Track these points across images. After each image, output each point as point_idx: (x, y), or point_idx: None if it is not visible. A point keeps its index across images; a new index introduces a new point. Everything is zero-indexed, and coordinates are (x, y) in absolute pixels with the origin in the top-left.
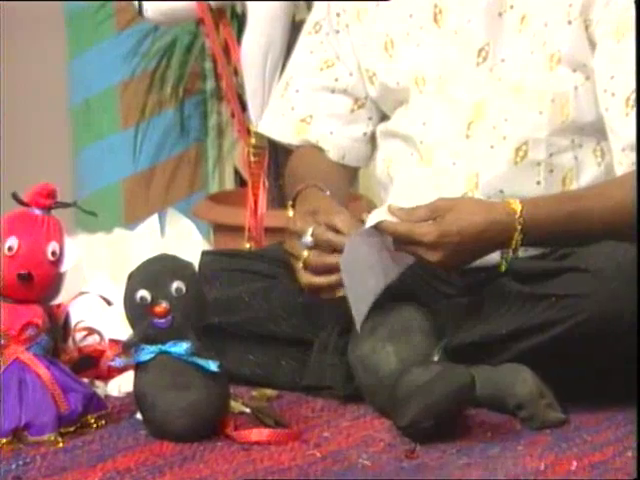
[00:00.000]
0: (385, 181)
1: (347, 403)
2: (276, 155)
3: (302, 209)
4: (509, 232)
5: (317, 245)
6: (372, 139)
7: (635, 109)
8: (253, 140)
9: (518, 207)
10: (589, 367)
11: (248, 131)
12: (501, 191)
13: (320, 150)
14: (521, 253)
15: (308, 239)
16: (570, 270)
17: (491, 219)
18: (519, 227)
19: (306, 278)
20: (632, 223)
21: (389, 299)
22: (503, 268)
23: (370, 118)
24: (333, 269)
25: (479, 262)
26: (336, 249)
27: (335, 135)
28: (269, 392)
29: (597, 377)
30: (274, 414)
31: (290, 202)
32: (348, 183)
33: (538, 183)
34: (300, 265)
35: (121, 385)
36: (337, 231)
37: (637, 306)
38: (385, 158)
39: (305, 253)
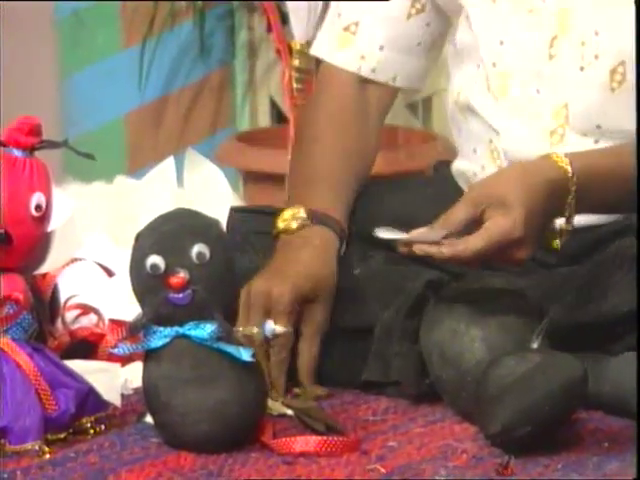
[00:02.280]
0: (456, 117)
1: (419, 403)
2: None
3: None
4: (563, 194)
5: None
6: (428, 52)
7: None
8: (297, 61)
9: (565, 162)
10: None
11: (290, 50)
12: (598, 126)
13: (358, 83)
14: None
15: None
16: None
17: (545, 177)
18: (573, 188)
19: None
20: None
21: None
22: (557, 245)
23: (428, 24)
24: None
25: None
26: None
27: (386, 51)
28: (318, 389)
29: None
30: (324, 417)
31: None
32: (376, 148)
33: None
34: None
35: (126, 379)
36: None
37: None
38: (455, 88)
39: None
